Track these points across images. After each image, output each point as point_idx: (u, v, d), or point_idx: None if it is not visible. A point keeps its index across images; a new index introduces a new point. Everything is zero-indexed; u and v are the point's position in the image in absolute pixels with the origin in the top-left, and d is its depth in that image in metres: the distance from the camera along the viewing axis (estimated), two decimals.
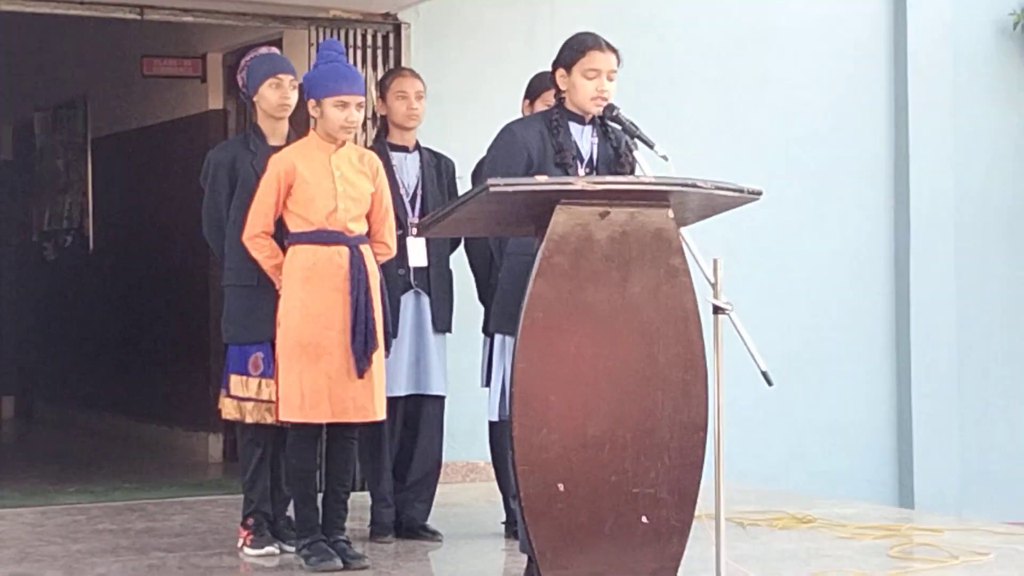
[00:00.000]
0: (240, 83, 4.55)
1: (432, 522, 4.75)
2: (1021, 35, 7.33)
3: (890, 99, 7.03)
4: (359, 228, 4.19)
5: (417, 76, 4.80)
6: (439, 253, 4.71)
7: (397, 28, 5.93)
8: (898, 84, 7.02)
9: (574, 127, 3.91)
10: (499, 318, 4.08)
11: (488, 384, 4.42)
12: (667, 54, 6.51)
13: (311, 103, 4.15)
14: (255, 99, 4.47)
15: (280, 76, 4.40)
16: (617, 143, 3.93)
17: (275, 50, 4.68)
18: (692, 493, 3.47)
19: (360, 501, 4.85)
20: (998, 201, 7.28)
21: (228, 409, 4.39)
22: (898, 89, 7.02)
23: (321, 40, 5.31)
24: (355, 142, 5.47)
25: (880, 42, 7.04)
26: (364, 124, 5.73)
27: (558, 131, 3.87)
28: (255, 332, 4.29)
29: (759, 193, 3.69)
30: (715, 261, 3.55)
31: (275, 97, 4.42)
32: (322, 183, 4.14)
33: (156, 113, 7.73)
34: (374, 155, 4.35)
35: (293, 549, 4.29)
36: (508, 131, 3.94)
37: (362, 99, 4.16)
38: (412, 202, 4.69)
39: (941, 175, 7.07)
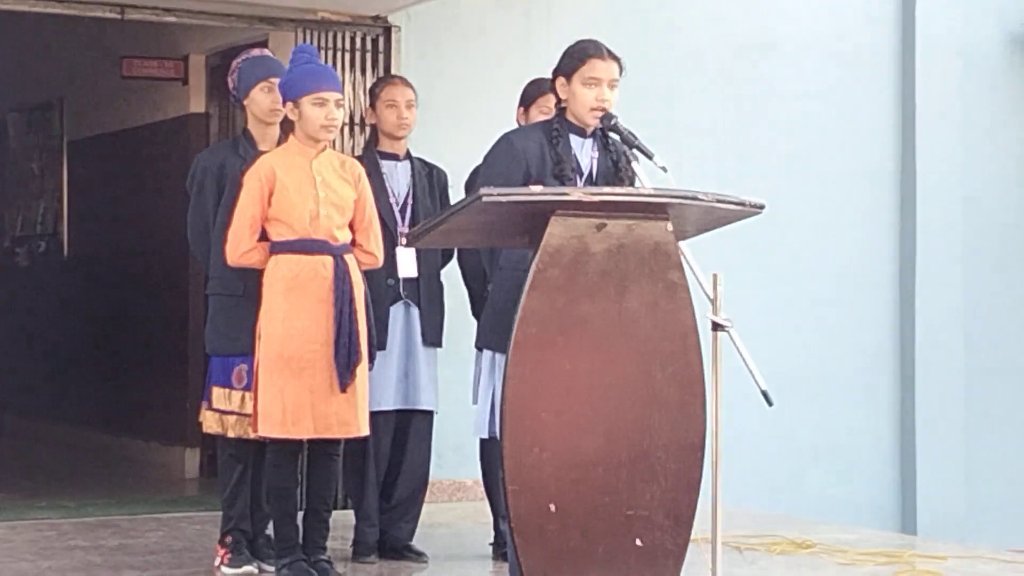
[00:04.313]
0: (230, 85, 4.49)
1: (417, 542, 4.69)
2: None
3: (897, 111, 7.01)
4: (343, 237, 4.12)
5: (408, 84, 4.74)
6: (430, 264, 4.66)
7: (387, 31, 5.88)
8: (906, 96, 7.01)
9: (574, 139, 3.85)
10: (487, 334, 4.04)
11: None
12: (668, 63, 6.47)
13: (289, 106, 4.10)
14: (246, 103, 4.41)
15: (272, 80, 4.33)
16: (617, 156, 3.86)
17: (268, 52, 4.61)
18: (688, 516, 3.41)
19: (343, 520, 4.78)
20: (1007, 216, 7.27)
21: (209, 422, 4.32)
22: (905, 101, 7.01)
23: (309, 43, 5.26)
24: (342, 149, 5.43)
25: (888, 53, 7.02)
26: (351, 131, 5.67)
27: (558, 142, 3.81)
28: (239, 344, 4.21)
29: (761, 207, 3.65)
30: (715, 276, 3.49)
31: (267, 101, 4.35)
32: (303, 189, 4.07)
33: (136, 116, 7.65)
34: (355, 162, 4.30)
35: (272, 569, 4.21)
36: (506, 140, 3.87)
37: (340, 97, 4.11)
38: (402, 211, 4.64)
39: (948, 189, 7.04)
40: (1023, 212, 7.30)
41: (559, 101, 3.84)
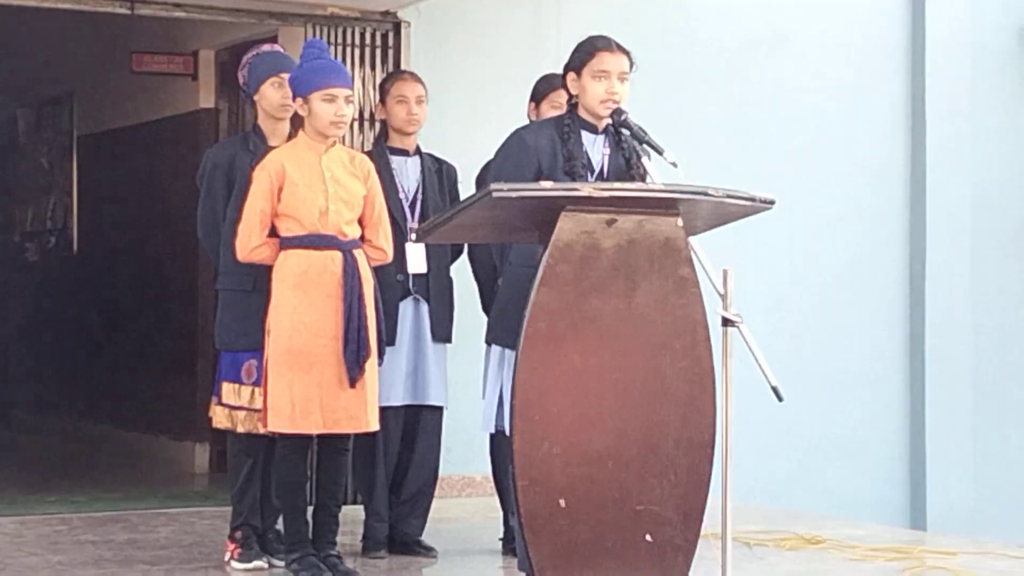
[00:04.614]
0: (241, 81, 4.47)
1: (427, 537, 4.67)
2: None
3: (907, 106, 6.96)
4: (352, 232, 4.11)
5: (418, 80, 4.73)
6: (439, 260, 4.64)
7: (397, 27, 5.84)
8: (915, 91, 6.95)
9: (586, 136, 3.84)
10: (496, 330, 4.02)
11: None
12: (677, 59, 6.42)
13: (298, 102, 4.09)
14: (256, 98, 4.39)
15: (282, 75, 4.30)
16: (629, 154, 3.84)
17: (278, 48, 4.59)
18: (698, 511, 3.41)
19: (352, 515, 4.75)
20: (1016, 211, 7.20)
21: (219, 418, 4.30)
22: (915, 96, 6.95)
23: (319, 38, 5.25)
24: (352, 145, 5.43)
25: (897, 48, 6.97)
26: (361, 126, 5.65)
27: (569, 138, 3.79)
28: (249, 339, 4.19)
29: (771, 202, 3.64)
30: (725, 272, 3.48)
31: (277, 96, 4.33)
32: (313, 184, 4.06)
33: (145, 111, 7.63)
34: (365, 157, 4.29)
35: (282, 563, 4.20)
36: (518, 136, 3.87)
37: (350, 93, 4.11)
38: (412, 207, 4.62)
39: (958, 184, 6.98)
40: None
41: (570, 97, 3.83)
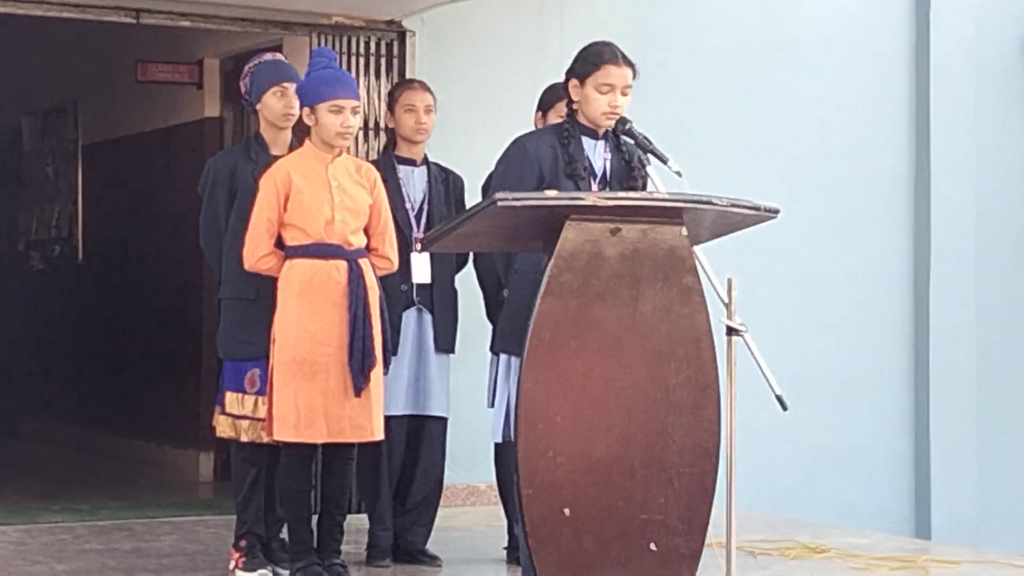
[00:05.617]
0: (243, 90, 4.47)
1: (431, 546, 4.67)
2: None
3: (911, 115, 6.97)
4: (358, 241, 4.11)
5: (427, 89, 4.73)
6: (444, 270, 4.64)
7: (402, 36, 5.85)
8: (919, 99, 6.96)
9: (587, 141, 3.84)
10: (504, 338, 4.02)
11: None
12: (681, 67, 6.43)
13: (305, 111, 4.10)
14: (258, 107, 4.39)
15: (285, 84, 4.31)
16: (630, 157, 3.85)
17: (280, 56, 4.57)
18: (702, 520, 3.41)
19: (357, 523, 4.76)
20: (1020, 219, 7.20)
21: (223, 427, 4.29)
22: (919, 105, 6.96)
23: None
24: (356, 154, 5.43)
25: (901, 57, 6.97)
26: (366, 135, 5.66)
27: (569, 143, 3.79)
28: (252, 348, 4.19)
29: (776, 211, 3.64)
30: (729, 281, 3.50)
31: (279, 106, 4.33)
32: (319, 194, 4.06)
33: (150, 120, 7.64)
34: (371, 167, 4.29)
35: (286, 572, 4.20)
36: (519, 144, 3.86)
37: (357, 104, 4.11)
38: (418, 217, 4.62)
39: (962, 193, 6.99)
40: None
41: (571, 102, 3.82)
